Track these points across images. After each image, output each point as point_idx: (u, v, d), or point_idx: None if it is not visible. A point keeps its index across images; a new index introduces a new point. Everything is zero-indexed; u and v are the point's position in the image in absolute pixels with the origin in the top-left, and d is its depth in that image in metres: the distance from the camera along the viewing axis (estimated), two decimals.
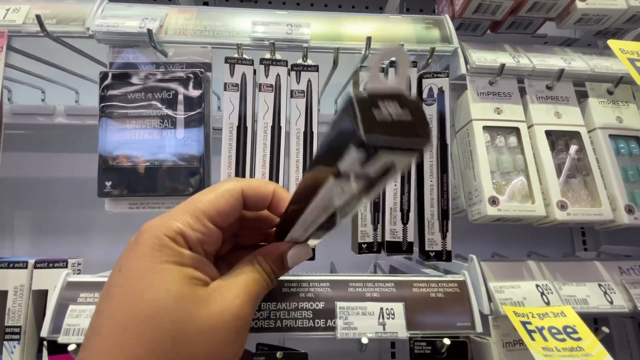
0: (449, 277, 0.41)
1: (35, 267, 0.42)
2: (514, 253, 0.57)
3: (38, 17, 0.41)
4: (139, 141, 0.41)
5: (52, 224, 0.67)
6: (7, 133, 0.64)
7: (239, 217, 0.24)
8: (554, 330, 0.35)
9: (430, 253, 0.41)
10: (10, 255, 0.54)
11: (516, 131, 0.43)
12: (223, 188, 0.23)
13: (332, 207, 0.17)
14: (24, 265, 0.42)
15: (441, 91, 0.41)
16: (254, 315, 0.37)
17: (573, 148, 0.44)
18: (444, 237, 0.41)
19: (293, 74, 0.40)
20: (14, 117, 0.60)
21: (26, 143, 0.69)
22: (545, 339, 0.34)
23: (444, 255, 0.41)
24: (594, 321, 0.62)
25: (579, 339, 0.35)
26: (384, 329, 0.37)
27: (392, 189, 0.41)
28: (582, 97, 0.47)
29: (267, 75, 0.40)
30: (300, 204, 0.19)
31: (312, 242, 0.26)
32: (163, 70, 0.43)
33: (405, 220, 0.41)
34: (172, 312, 0.19)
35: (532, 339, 0.34)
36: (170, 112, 0.41)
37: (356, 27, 0.46)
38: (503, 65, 0.43)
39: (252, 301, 0.22)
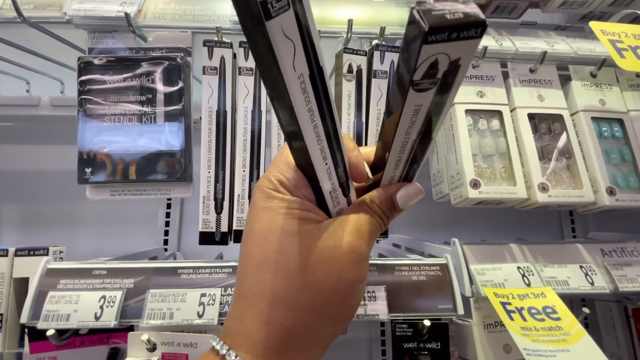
0: (431, 261, 0.41)
1: (16, 254, 0.42)
2: (502, 240, 0.57)
3: (14, 1, 0.40)
4: (119, 129, 0.41)
5: (39, 216, 0.67)
6: None
7: None
8: (533, 311, 0.35)
9: None
10: None
11: (499, 114, 0.43)
12: None
13: (419, 120, 0.19)
14: (4, 253, 0.41)
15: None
16: None
17: (556, 131, 0.44)
18: None
19: None
20: None
21: (11, 135, 0.68)
22: (524, 319, 0.34)
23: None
24: (581, 301, 0.63)
25: (558, 319, 0.35)
26: (364, 311, 0.37)
27: None
28: (566, 81, 0.47)
29: (246, 59, 0.39)
30: (387, 137, 0.21)
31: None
32: (142, 55, 0.42)
33: None
34: (291, 246, 0.22)
35: (511, 319, 0.34)
36: (150, 98, 0.41)
37: (339, 11, 0.46)
38: (485, 48, 0.43)
39: (365, 238, 0.23)
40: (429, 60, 0.15)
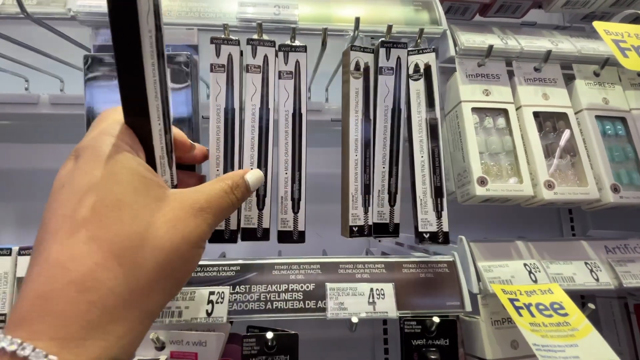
0: (438, 258, 0.41)
1: (19, 254, 0.41)
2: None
3: None
4: None
5: (38, 216, 0.66)
6: None
7: None
8: (541, 307, 0.36)
9: (425, 234, 0.39)
10: None
11: (504, 112, 0.43)
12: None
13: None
14: (7, 252, 0.41)
15: (427, 66, 0.41)
16: (245, 297, 0.37)
17: (560, 129, 0.44)
18: (438, 216, 0.39)
19: (281, 54, 0.40)
20: None
21: (10, 134, 0.67)
22: (532, 315, 0.35)
23: (440, 237, 0.38)
24: (580, 297, 0.63)
25: (565, 315, 0.35)
26: (374, 309, 0.37)
27: (380, 172, 0.41)
28: (570, 80, 0.47)
29: (254, 56, 0.39)
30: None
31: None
32: None
33: (392, 202, 0.41)
34: (133, 200, 0.20)
35: (520, 315, 0.34)
36: None
37: (345, 9, 0.46)
38: (491, 47, 0.43)
39: (217, 208, 0.23)
40: None
